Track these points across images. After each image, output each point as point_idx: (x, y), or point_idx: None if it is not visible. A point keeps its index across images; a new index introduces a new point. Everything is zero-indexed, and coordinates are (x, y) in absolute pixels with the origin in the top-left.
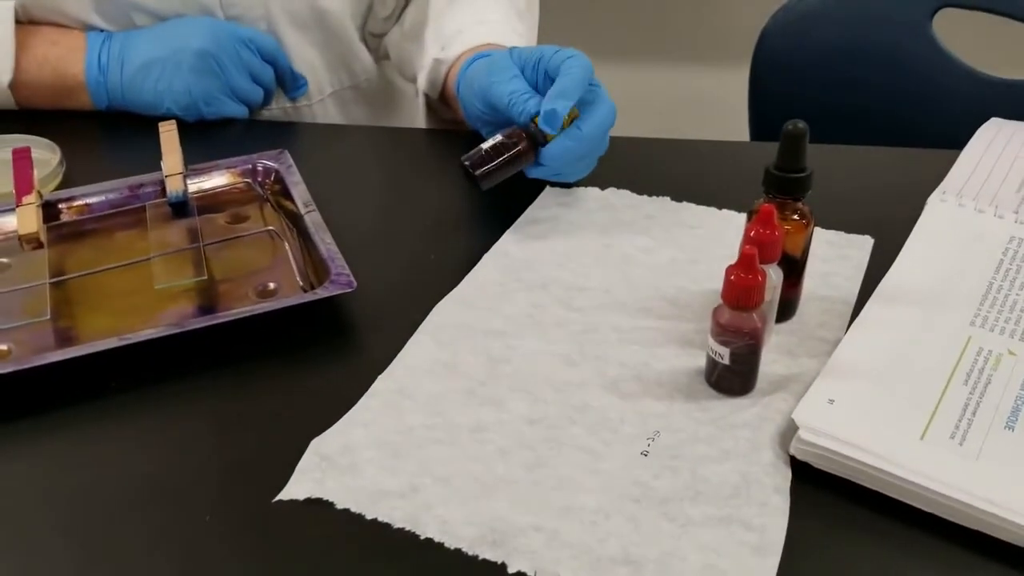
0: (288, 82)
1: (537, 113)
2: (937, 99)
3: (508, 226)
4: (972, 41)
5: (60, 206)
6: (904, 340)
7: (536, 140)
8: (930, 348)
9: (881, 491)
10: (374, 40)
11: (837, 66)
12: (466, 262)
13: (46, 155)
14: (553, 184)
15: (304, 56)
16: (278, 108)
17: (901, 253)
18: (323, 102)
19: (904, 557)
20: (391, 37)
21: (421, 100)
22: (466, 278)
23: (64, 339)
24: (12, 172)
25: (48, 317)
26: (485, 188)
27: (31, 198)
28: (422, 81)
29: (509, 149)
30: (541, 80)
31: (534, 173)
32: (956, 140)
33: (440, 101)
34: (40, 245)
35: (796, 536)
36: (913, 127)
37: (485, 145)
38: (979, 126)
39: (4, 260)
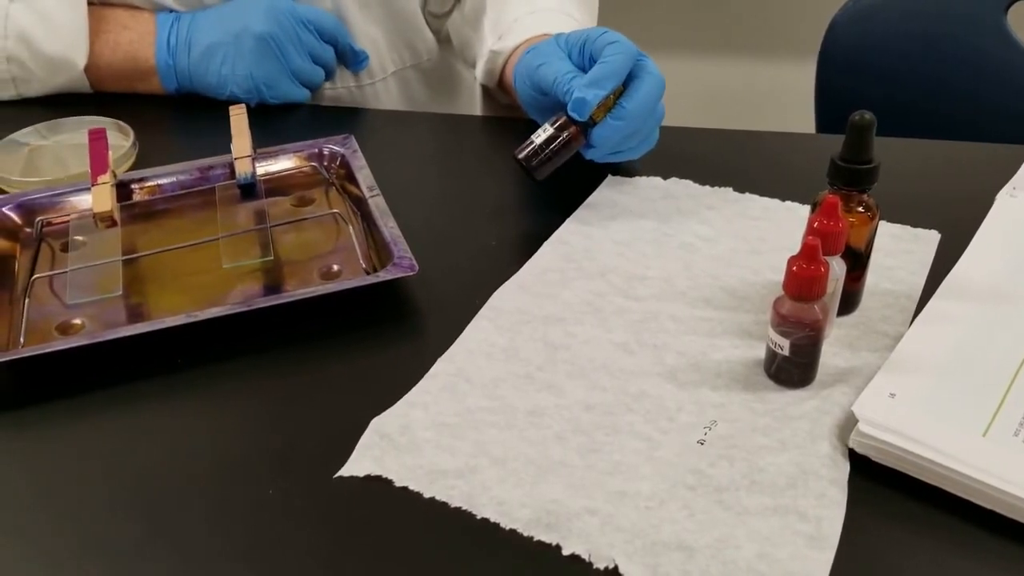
0: (349, 58)
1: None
2: (1009, 94)
3: (568, 212)
4: None
5: (133, 186)
6: (969, 336)
7: (584, 123)
8: (995, 344)
9: (941, 487)
10: (435, 21)
11: (906, 59)
12: (526, 248)
13: (119, 137)
14: (615, 171)
15: (368, 33)
16: (342, 87)
17: (968, 248)
18: (385, 81)
19: (962, 554)
20: (452, 21)
21: (478, 88)
22: (526, 265)
23: (135, 315)
24: (88, 152)
25: (120, 293)
26: (540, 179)
27: (106, 178)
28: (480, 71)
29: (558, 137)
30: (587, 63)
31: (590, 155)
32: None
33: (498, 88)
34: (114, 223)
35: (852, 529)
36: (984, 122)
37: (535, 138)
38: None
39: (79, 238)
